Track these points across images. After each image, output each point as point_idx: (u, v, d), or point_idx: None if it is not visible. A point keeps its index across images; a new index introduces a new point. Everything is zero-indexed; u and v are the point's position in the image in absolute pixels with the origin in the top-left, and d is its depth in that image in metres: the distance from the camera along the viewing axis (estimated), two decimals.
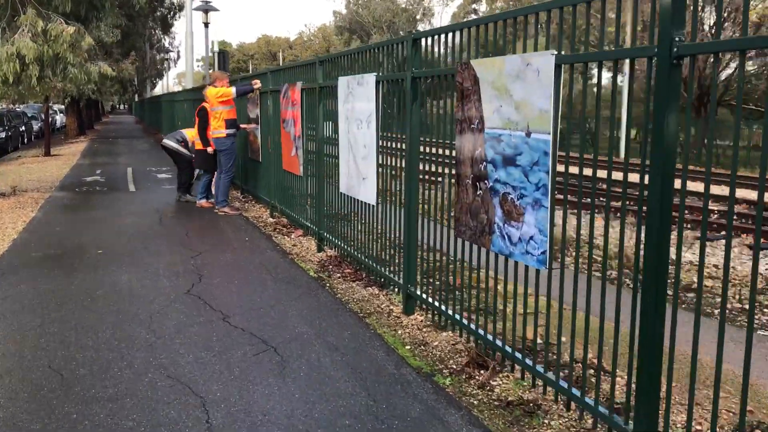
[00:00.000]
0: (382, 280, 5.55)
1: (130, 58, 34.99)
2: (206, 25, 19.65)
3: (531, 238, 3.30)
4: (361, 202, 5.74)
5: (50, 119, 26.42)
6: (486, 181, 3.67)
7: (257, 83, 9.35)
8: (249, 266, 6.28)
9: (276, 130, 8.76)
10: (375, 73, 5.23)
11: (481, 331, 3.90)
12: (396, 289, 5.29)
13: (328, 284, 5.71)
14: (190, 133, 10.12)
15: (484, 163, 3.68)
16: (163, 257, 6.62)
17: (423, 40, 4.51)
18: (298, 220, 7.90)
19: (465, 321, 4.11)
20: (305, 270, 6.17)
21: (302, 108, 7.35)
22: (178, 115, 21.18)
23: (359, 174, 5.69)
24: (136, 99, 60.22)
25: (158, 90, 60.67)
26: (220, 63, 21.87)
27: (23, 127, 26.35)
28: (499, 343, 3.72)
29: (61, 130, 33.95)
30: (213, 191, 10.00)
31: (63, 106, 32.49)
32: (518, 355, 3.56)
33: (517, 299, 3.61)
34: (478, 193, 3.76)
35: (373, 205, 5.43)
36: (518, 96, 3.34)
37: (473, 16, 53.48)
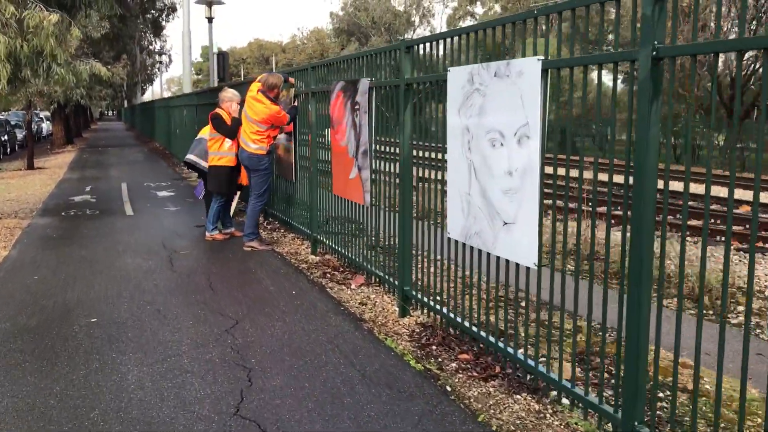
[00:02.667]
0: (529, 376, 3.58)
1: (121, 62, 32.90)
2: (210, 20, 17.55)
3: None
4: (499, 258, 3.76)
5: (35, 127, 24.30)
6: None
7: (291, 82, 7.45)
8: (315, 349, 4.25)
9: (321, 144, 6.76)
10: (539, 58, 3.25)
11: None
12: (568, 400, 3.31)
13: (448, 385, 3.70)
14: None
15: None
16: (184, 330, 4.59)
17: None
18: (363, 265, 5.86)
19: None
20: (400, 355, 4.14)
21: (370, 114, 5.36)
22: (175, 122, 19.15)
23: (495, 215, 3.70)
24: (126, 105, 58.00)
25: (147, 96, 58.37)
26: (220, 65, 19.89)
27: (5, 137, 24.11)
28: None
29: (47, 139, 31.72)
30: (241, 218, 8.00)
31: (49, 113, 30.26)
32: None
33: None
34: None
35: (531, 269, 3.44)
36: None
37: (469, 19, 51.40)
